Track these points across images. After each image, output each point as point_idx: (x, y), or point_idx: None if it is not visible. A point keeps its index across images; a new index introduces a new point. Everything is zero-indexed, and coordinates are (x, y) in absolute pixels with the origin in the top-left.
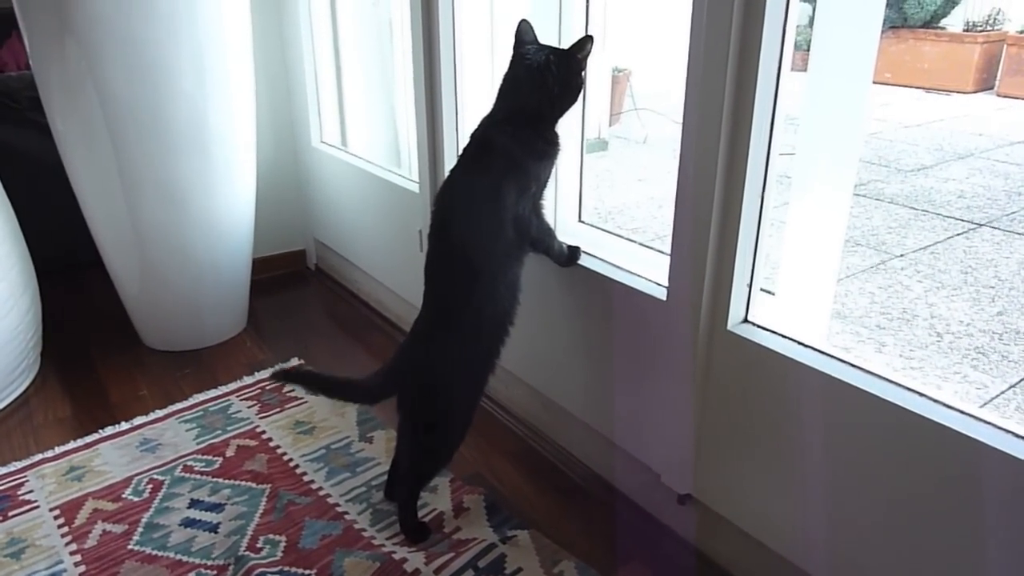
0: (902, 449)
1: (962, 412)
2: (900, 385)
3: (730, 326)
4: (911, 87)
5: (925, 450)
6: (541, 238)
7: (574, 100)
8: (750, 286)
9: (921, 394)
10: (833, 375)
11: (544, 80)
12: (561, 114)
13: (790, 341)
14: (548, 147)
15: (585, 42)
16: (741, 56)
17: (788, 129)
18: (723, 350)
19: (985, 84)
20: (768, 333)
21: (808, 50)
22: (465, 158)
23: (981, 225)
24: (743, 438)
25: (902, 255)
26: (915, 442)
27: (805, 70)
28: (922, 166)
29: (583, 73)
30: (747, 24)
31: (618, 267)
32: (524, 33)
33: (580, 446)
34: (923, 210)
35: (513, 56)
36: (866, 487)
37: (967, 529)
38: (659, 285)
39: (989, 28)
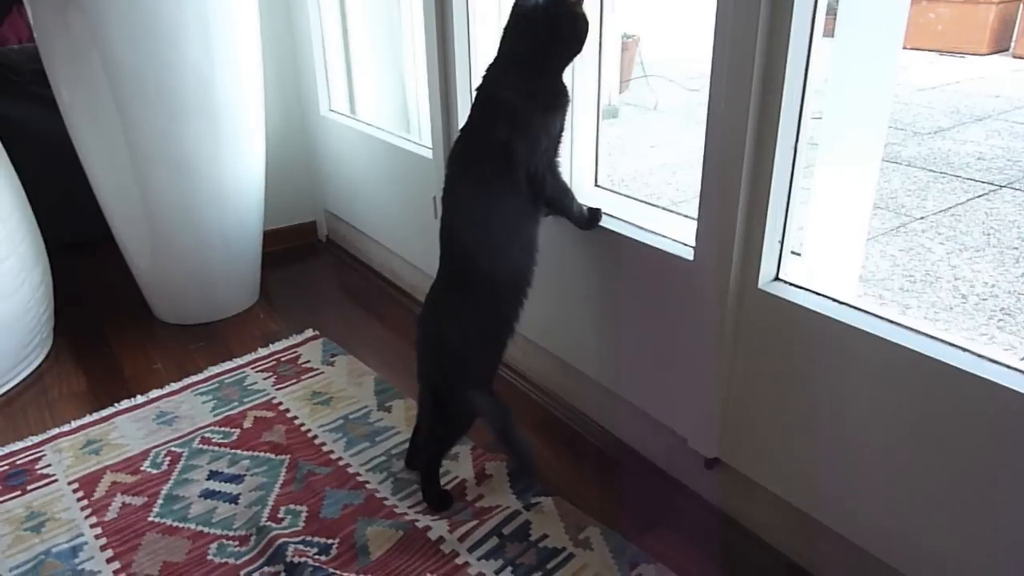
0: (943, 406)
1: (1005, 365)
2: (939, 339)
3: (761, 284)
4: (925, 50)
5: (965, 406)
6: (557, 197)
7: (573, 48)
8: (781, 243)
9: (960, 347)
10: (869, 331)
11: (533, 27)
12: (560, 63)
13: (824, 298)
14: (553, 98)
15: None
16: (773, 13)
17: (815, 94)
18: (754, 309)
19: (1000, 46)
20: (801, 291)
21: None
22: (471, 116)
23: (1002, 187)
24: (774, 398)
25: (922, 217)
26: (955, 397)
27: (833, 36)
28: (939, 128)
29: (580, 20)
30: None
31: (642, 228)
32: None
33: (603, 412)
34: (941, 172)
35: (511, 7)
36: (905, 446)
37: (1013, 487)
38: (685, 245)
39: None
